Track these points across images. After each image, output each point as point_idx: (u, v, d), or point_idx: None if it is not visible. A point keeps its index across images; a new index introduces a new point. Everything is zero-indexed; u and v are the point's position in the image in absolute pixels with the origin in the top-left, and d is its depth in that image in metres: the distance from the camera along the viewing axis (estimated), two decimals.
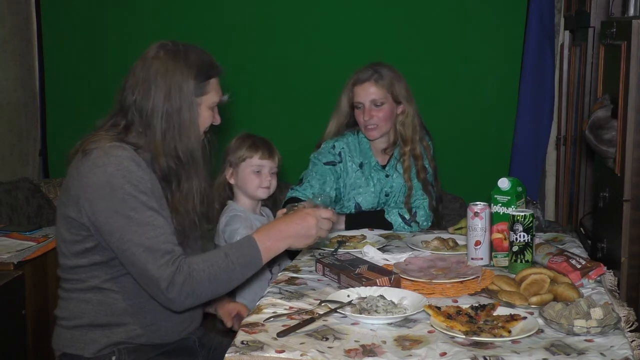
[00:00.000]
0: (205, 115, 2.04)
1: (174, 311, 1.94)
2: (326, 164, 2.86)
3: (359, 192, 2.88)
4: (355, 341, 1.69)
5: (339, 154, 2.88)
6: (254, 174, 2.68)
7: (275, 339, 1.69)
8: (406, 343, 1.68)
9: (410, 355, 1.60)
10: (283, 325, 1.75)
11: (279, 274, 2.23)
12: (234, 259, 1.90)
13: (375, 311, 1.81)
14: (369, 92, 2.82)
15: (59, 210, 1.99)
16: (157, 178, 1.96)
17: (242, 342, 1.67)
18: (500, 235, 2.25)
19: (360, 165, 2.89)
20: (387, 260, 2.29)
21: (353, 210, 2.87)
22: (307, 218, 1.98)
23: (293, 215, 2.02)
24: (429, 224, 2.86)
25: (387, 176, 2.91)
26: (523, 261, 2.16)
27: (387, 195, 2.90)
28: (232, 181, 2.72)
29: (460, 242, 2.49)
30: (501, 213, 2.25)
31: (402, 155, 2.89)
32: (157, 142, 1.96)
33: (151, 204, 1.88)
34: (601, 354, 1.60)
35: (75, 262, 1.97)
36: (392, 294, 1.93)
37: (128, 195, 1.86)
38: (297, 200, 2.67)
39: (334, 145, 2.89)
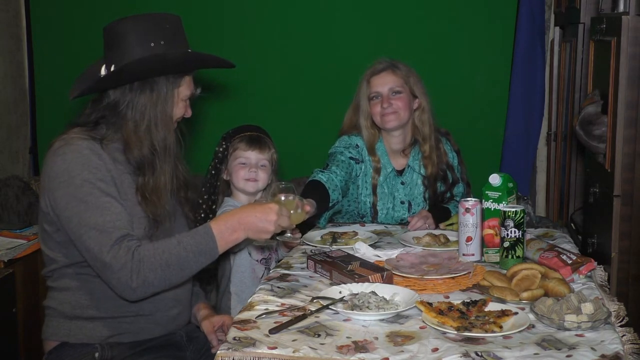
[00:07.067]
0: (180, 106, 2.05)
1: (128, 300, 1.90)
2: (351, 158, 2.81)
3: (369, 194, 2.85)
4: (347, 337, 1.69)
5: (361, 154, 2.85)
6: (240, 166, 2.64)
7: (267, 335, 1.69)
8: (398, 339, 1.68)
9: (402, 351, 1.61)
10: (275, 322, 1.76)
11: (271, 271, 2.23)
12: (186, 246, 1.87)
13: (367, 307, 1.81)
14: (387, 81, 2.81)
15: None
16: (125, 169, 1.97)
17: (234, 339, 1.67)
18: (491, 231, 2.26)
19: (377, 170, 2.85)
20: (379, 256, 2.29)
21: (369, 211, 2.85)
22: (269, 214, 1.92)
23: (256, 206, 1.97)
24: None
25: (402, 183, 2.87)
26: (514, 257, 2.17)
27: (403, 203, 2.86)
28: (225, 176, 2.70)
29: (452, 238, 2.50)
30: (492, 209, 2.26)
31: (423, 153, 2.87)
32: (130, 133, 1.97)
33: (109, 191, 1.89)
34: (592, 348, 1.61)
35: (53, 254, 2.01)
36: (384, 290, 1.93)
37: (85, 182, 1.87)
38: (318, 183, 2.59)
39: (357, 145, 2.86)
